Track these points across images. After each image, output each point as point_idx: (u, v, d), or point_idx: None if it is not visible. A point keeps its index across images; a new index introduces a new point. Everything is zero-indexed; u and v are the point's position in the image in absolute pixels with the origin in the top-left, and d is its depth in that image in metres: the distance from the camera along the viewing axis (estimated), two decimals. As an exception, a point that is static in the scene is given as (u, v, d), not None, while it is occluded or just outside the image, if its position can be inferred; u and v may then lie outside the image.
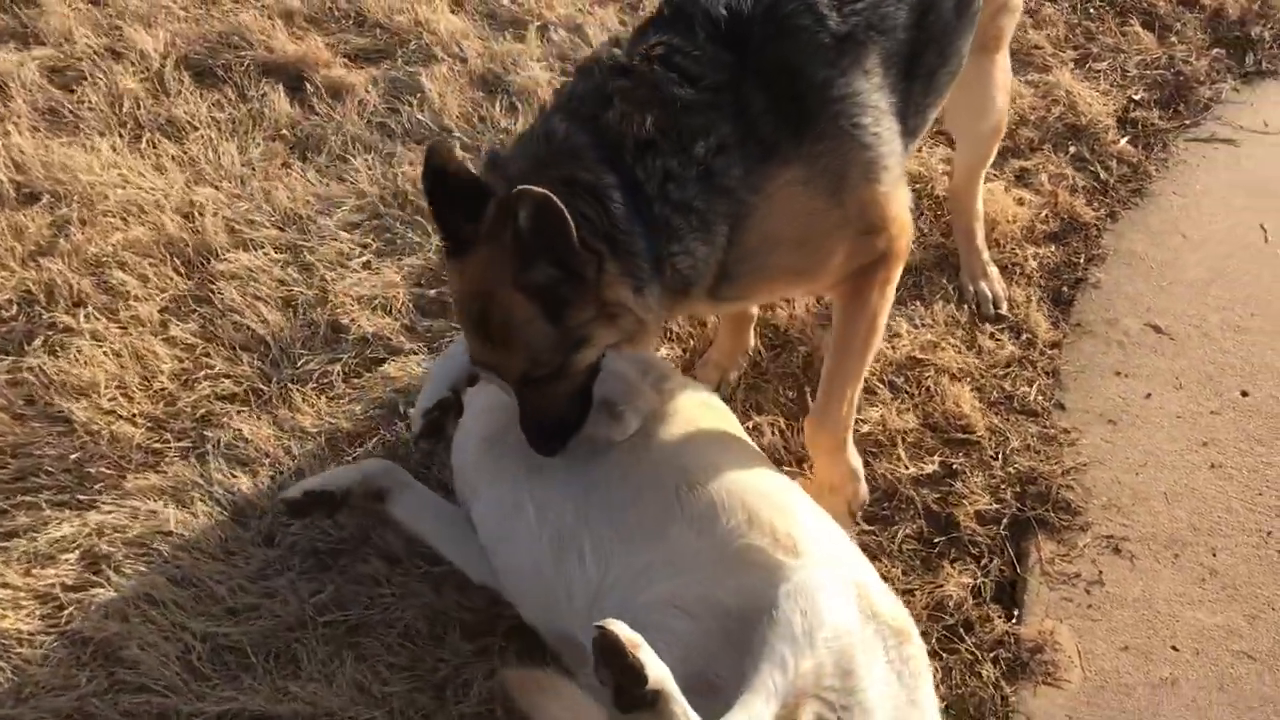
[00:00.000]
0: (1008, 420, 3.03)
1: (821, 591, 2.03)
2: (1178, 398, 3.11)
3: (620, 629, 1.78)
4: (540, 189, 1.94)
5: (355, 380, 3.15)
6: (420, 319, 3.31)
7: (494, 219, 2.06)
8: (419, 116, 3.94)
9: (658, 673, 1.78)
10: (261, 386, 3.12)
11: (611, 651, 1.76)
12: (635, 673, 1.75)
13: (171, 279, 3.37)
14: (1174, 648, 2.58)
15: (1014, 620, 2.62)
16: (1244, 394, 3.12)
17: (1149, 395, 3.11)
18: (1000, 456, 2.93)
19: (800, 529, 2.23)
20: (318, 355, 3.19)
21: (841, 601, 2.05)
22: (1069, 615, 2.64)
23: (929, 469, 2.89)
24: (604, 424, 2.41)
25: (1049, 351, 3.22)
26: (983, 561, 2.74)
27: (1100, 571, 2.72)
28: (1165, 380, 3.15)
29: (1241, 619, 2.64)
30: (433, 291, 3.37)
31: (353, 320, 3.27)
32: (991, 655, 2.55)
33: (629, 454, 2.40)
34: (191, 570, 2.70)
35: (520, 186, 1.94)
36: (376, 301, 3.33)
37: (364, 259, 3.45)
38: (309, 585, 2.68)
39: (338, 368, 3.17)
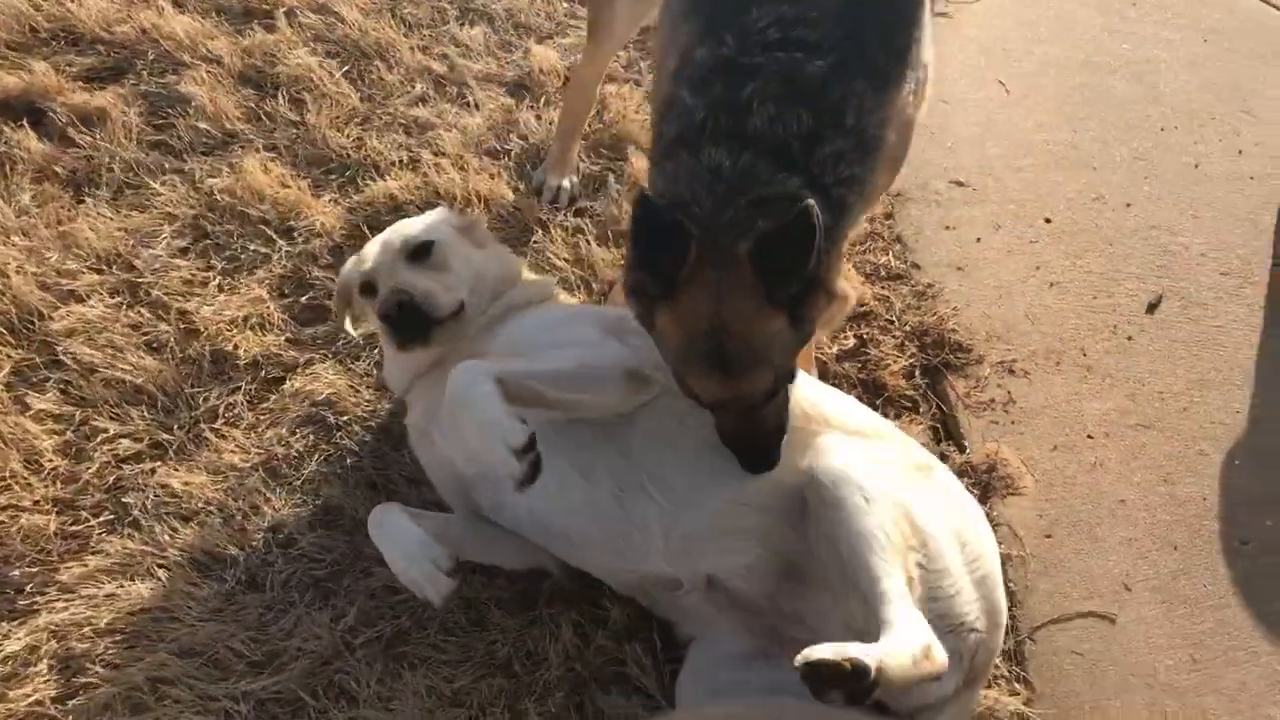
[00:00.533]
0: (885, 287, 3.37)
1: (864, 466, 2.22)
2: (1001, 236, 3.59)
3: (820, 653, 1.79)
4: (806, 204, 1.91)
5: (263, 405, 2.96)
6: (302, 329, 3.14)
7: (709, 256, 1.99)
8: (199, 125, 3.66)
9: (869, 657, 1.79)
10: (165, 437, 2.85)
11: (830, 677, 1.77)
12: (858, 677, 1.77)
13: (2, 351, 2.98)
14: (1089, 436, 3.04)
15: (964, 452, 2.98)
16: (1047, 220, 3.65)
17: (978, 239, 3.57)
18: (894, 319, 3.27)
19: (818, 403, 2.40)
20: (212, 390, 2.96)
21: (885, 469, 2.26)
22: (1001, 435, 3.03)
23: (849, 344, 3.18)
24: (634, 392, 2.41)
25: (886, 223, 3.60)
26: (920, 410, 3.07)
27: (1008, 392, 3.13)
28: (985, 224, 3.62)
29: (1125, 399, 3.14)
30: (304, 298, 3.21)
31: (234, 346, 3.04)
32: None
33: None
34: (190, 638, 2.47)
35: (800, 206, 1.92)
36: (250, 321, 3.12)
37: (215, 282, 3.21)
38: (325, 614, 2.54)
39: (239, 397, 2.96)
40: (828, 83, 2.05)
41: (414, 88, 3.91)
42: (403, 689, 2.43)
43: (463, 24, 4.22)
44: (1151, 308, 3.39)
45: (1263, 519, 2.89)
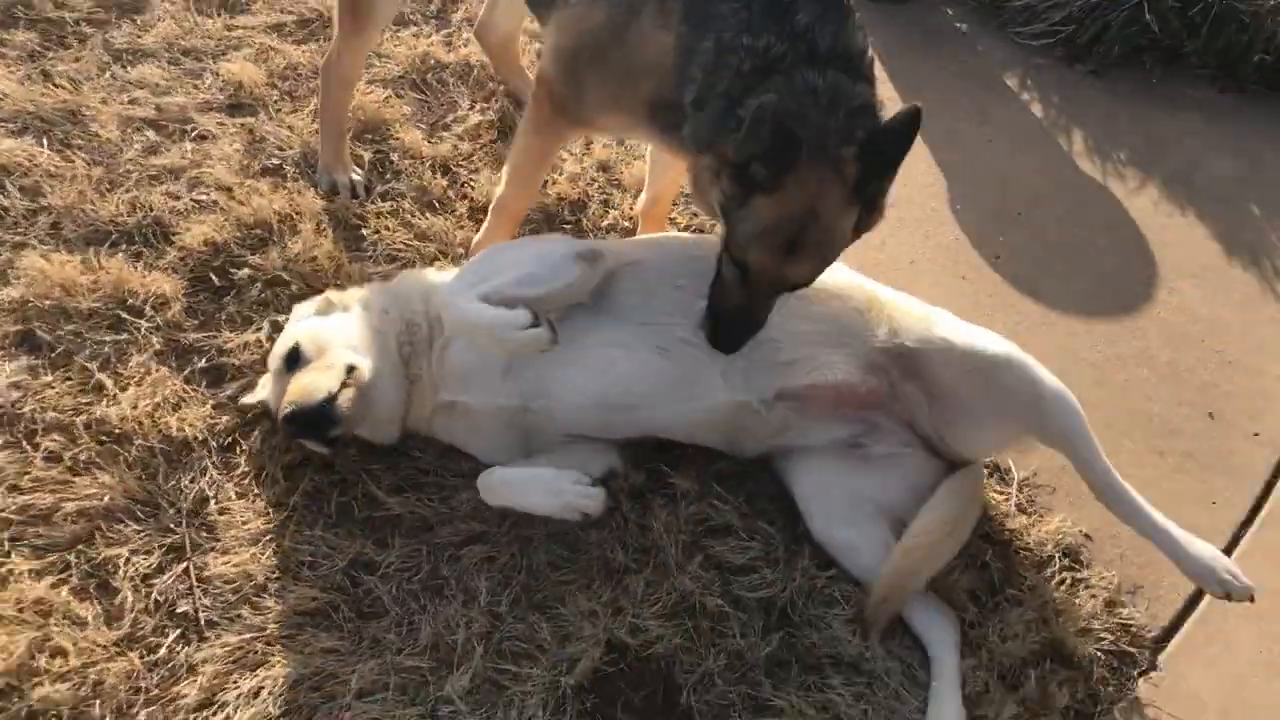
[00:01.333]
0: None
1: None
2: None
3: None
4: (914, 108, 2.29)
5: (240, 470, 2.85)
6: (218, 392, 3.01)
7: (815, 157, 2.30)
8: None
9: None
10: (172, 538, 2.67)
11: None
12: None
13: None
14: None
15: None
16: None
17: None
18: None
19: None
20: (183, 478, 2.80)
21: None
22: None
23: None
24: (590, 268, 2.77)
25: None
26: None
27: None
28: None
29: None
30: (200, 364, 3.05)
31: (172, 430, 2.87)
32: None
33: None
34: (361, 681, 2.45)
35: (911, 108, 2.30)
36: (169, 403, 2.93)
37: (101, 381, 2.94)
38: (456, 603, 2.63)
39: (215, 474, 2.83)
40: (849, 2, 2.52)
41: (138, 137, 3.68)
42: (570, 620, 2.63)
43: (128, 66, 3.97)
44: None
45: None
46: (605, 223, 3.68)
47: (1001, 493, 3.08)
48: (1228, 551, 3.02)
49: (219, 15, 4.29)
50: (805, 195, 2.34)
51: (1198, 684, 2.75)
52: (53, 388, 2.92)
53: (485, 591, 2.66)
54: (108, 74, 3.94)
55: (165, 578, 2.62)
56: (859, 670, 2.61)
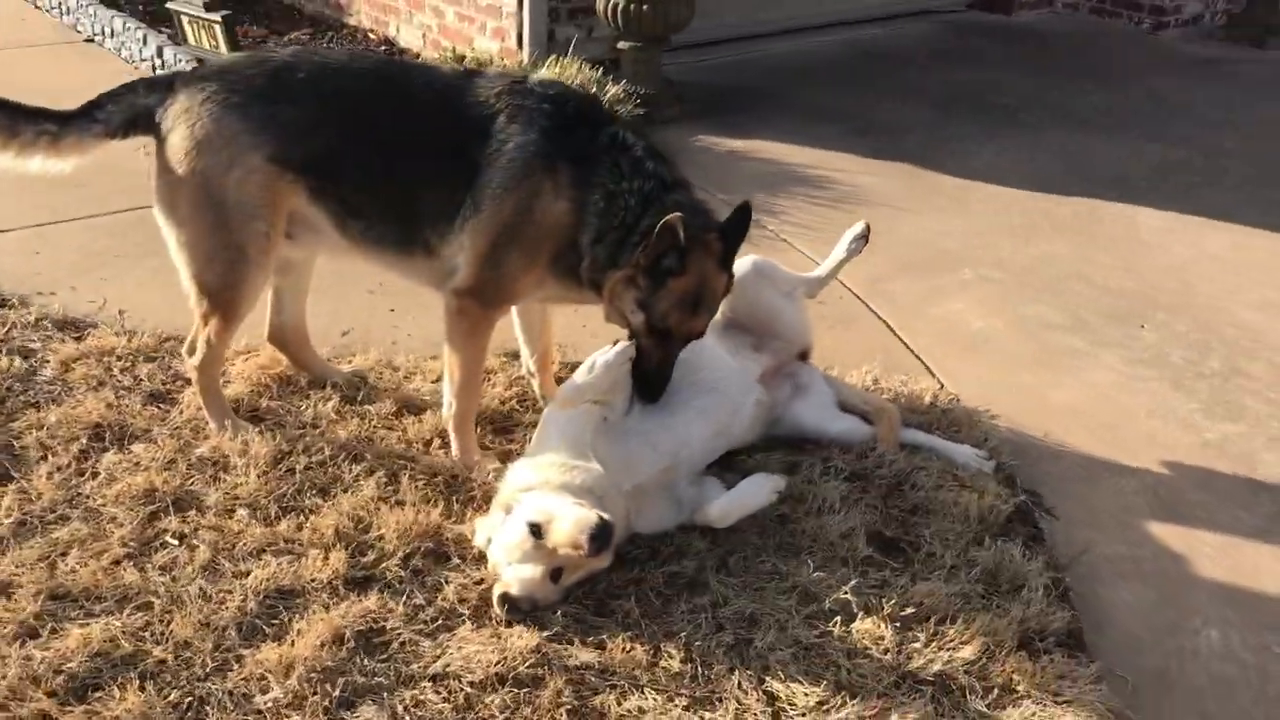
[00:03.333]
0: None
1: None
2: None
3: None
4: (746, 204, 3.24)
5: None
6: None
7: (701, 246, 3.14)
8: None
9: None
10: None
11: None
12: None
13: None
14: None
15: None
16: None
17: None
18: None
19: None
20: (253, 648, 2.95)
21: None
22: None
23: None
24: None
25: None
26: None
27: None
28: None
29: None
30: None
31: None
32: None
33: None
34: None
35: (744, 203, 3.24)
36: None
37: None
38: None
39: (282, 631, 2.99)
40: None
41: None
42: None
43: None
44: None
45: None
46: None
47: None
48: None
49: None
50: (699, 270, 3.17)
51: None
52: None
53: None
54: None
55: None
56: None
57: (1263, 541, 3.55)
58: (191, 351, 3.60)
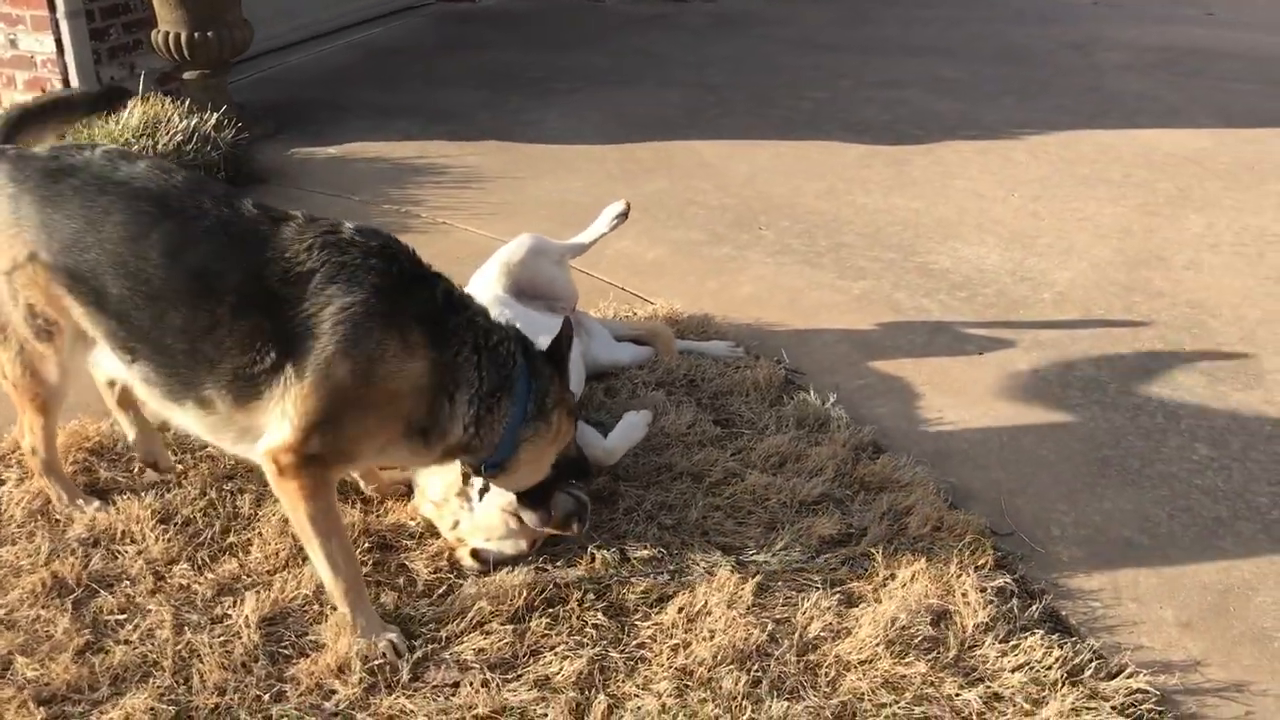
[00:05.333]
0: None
1: None
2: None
3: None
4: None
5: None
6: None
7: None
8: None
9: None
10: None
11: None
12: None
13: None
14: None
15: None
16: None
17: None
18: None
19: None
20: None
21: None
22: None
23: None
24: None
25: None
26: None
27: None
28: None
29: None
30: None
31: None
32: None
33: None
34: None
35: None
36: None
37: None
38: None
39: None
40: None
41: None
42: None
43: None
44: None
45: None
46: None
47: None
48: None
49: None
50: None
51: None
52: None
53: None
54: None
55: None
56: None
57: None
58: (21, 435, 3.44)
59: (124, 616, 3.08)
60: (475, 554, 3.31)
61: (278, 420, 2.83)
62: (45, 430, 3.37)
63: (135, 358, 2.94)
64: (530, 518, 3.23)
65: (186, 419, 3.01)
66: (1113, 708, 2.86)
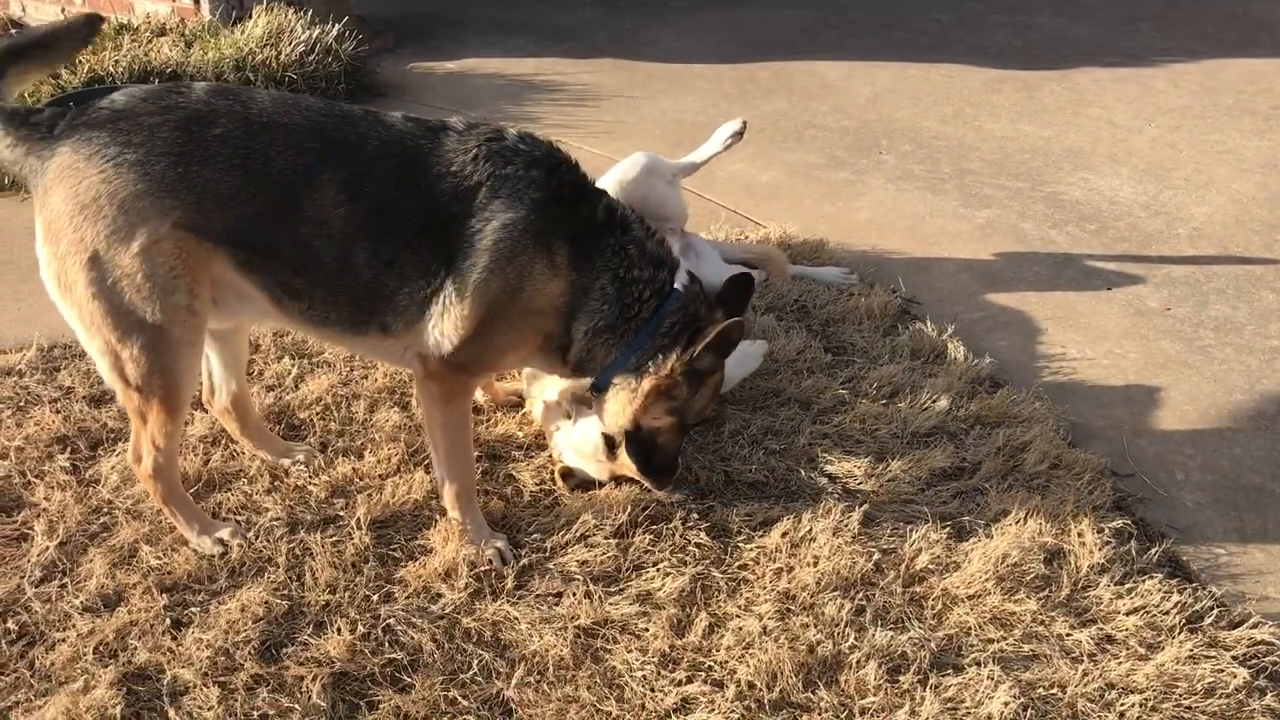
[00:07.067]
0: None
1: None
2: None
3: None
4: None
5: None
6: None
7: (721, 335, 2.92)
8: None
9: None
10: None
11: None
12: None
13: None
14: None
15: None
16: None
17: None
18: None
19: None
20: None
21: None
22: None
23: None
24: None
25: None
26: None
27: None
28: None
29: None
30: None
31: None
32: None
33: None
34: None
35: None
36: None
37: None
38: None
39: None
40: None
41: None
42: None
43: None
44: None
45: None
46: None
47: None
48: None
49: None
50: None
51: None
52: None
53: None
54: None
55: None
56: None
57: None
58: (138, 459, 2.95)
59: (242, 514, 3.17)
60: (566, 474, 3.31)
61: (436, 335, 2.86)
62: (170, 440, 2.92)
63: (311, 303, 2.82)
64: (646, 479, 3.19)
65: (362, 346, 3.08)
66: (1233, 657, 2.76)
